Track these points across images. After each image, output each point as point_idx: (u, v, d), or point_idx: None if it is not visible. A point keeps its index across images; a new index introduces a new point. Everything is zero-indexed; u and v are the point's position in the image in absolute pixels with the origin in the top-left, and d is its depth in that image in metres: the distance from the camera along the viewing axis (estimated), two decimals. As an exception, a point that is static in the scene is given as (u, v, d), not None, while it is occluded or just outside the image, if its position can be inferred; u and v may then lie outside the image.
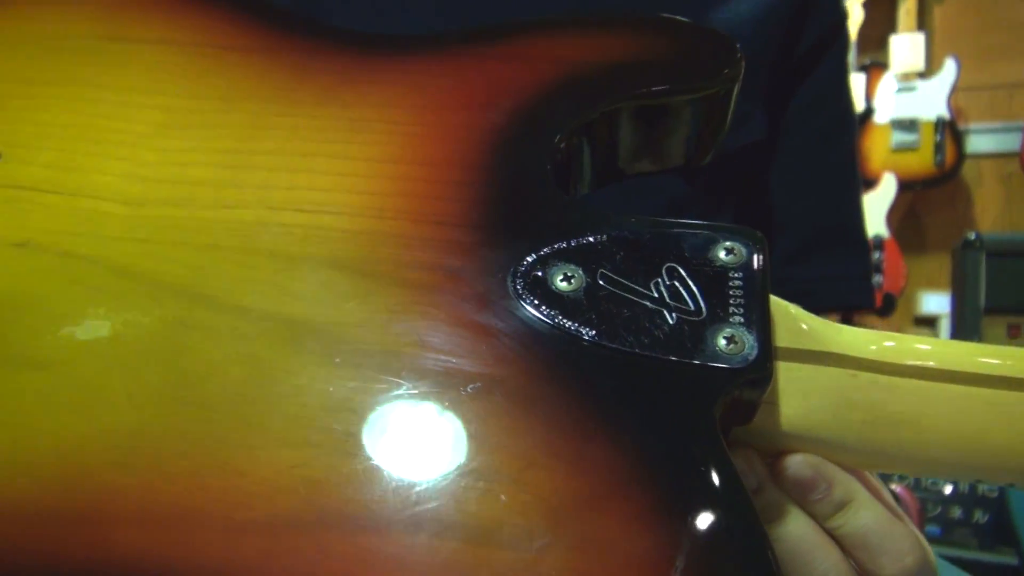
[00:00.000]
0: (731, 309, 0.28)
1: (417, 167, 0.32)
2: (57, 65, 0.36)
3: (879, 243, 2.28)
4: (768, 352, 0.27)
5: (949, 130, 2.33)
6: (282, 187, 0.32)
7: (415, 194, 0.32)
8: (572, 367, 0.27)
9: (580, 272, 0.29)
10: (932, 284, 2.41)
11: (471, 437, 0.25)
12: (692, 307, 0.28)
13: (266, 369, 0.27)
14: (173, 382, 0.27)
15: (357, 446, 0.25)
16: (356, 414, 0.26)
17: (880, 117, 2.38)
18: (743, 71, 0.36)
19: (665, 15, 0.37)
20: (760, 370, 0.27)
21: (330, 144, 0.33)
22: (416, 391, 0.26)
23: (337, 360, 0.27)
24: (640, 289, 0.28)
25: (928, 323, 2.43)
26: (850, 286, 0.59)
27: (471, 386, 0.26)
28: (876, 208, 2.30)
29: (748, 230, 0.30)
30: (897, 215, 2.37)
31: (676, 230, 0.30)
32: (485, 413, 0.26)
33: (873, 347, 0.30)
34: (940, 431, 0.29)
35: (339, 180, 0.32)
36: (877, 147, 2.37)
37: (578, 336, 0.27)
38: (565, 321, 0.28)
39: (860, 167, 0.62)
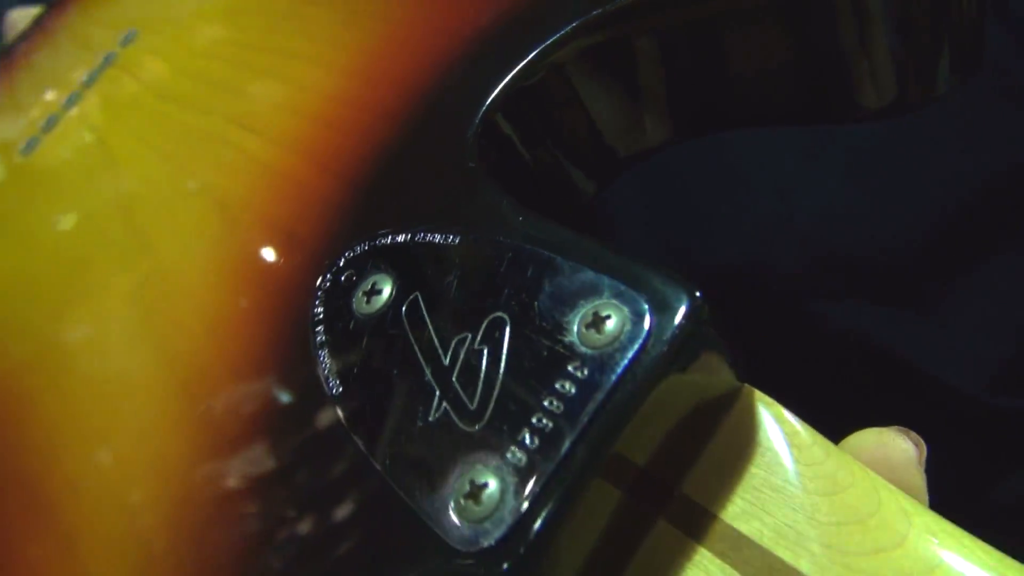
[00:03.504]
0: (523, 435, 0.15)
1: (357, 82, 0.24)
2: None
3: None
4: (523, 549, 0.14)
5: None
6: (248, 96, 0.27)
7: (329, 123, 0.24)
8: (293, 425, 0.18)
9: (389, 288, 0.18)
10: None
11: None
12: (474, 403, 0.16)
13: (95, 307, 0.25)
14: (61, 297, 0.27)
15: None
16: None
17: None
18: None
19: None
20: (490, 574, 0.14)
21: (315, 44, 0.27)
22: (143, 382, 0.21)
23: (133, 307, 0.23)
24: (435, 343, 0.17)
25: None
26: None
27: (202, 407, 0.20)
28: None
29: (674, 285, 0.15)
30: None
31: (556, 257, 0.16)
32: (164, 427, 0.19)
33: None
34: None
35: (289, 94, 0.26)
36: None
37: (321, 385, 0.18)
38: (326, 355, 0.18)
39: None
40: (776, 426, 0.16)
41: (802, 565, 0.15)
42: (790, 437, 0.16)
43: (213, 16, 0.32)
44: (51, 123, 0.35)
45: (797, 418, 0.17)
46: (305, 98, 0.25)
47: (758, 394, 0.17)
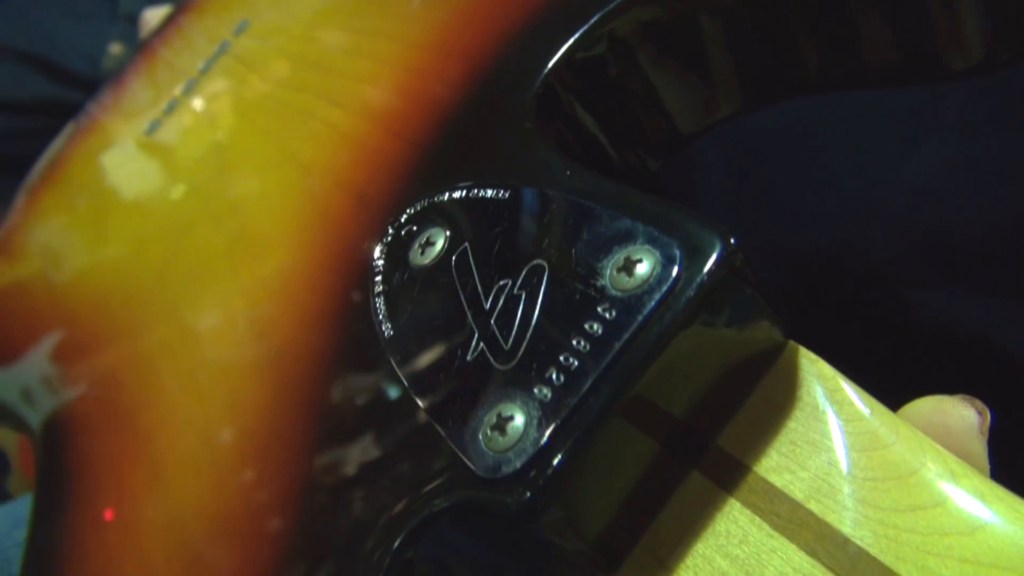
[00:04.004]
0: (551, 373, 0.15)
1: (429, 53, 0.25)
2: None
3: None
4: (543, 480, 0.14)
5: None
6: (336, 73, 0.29)
7: (402, 92, 0.25)
8: (350, 366, 0.19)
9: (443, 240, 0.19)
10: None
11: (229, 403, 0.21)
12: (508, 344, 0.16)
13: (202, 279, 0.27)
14: (163, 258, 0.29)
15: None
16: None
17: None
18: None
19: None
20: (512, 502, 0.14)
21: (395, 22, 0.28)
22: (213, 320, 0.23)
23: (229, 271, 0.25)
24: (478, 290, 0.18)
25: None
26: None
27: (254, 325, 0.21)
28: None
29: (708, 231, 0.15)
30: None
31: (596, 206, 0.17)
32: (250, 369, 0.21)
33: None
34: None
35: (369, 68, 0.27)
36: None
37: (379, 330, 0.19)
38: (381, 303, 0.19)
39: None
40: (817, 382, 0.16)
41: (832, 518, 0.14)
42: (831, 393, 0.16)
43: (312, 3, 0.34)
44: (171, 106, 0.38)
45: (843, 376, 0.16)
46: (382, 71, 0.27)
47: (802, 350, 0.17)
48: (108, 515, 0.23)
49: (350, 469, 0.17)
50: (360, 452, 0.17)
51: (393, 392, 0.18)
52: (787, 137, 0.35)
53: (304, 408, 0.19)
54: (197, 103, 0.36)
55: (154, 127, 0.38)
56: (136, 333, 0.28)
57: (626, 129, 0.25)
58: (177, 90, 0.39)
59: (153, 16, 0.51)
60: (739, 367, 0.16)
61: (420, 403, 0.17)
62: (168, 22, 0.48)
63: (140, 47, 0.49)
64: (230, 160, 0.30)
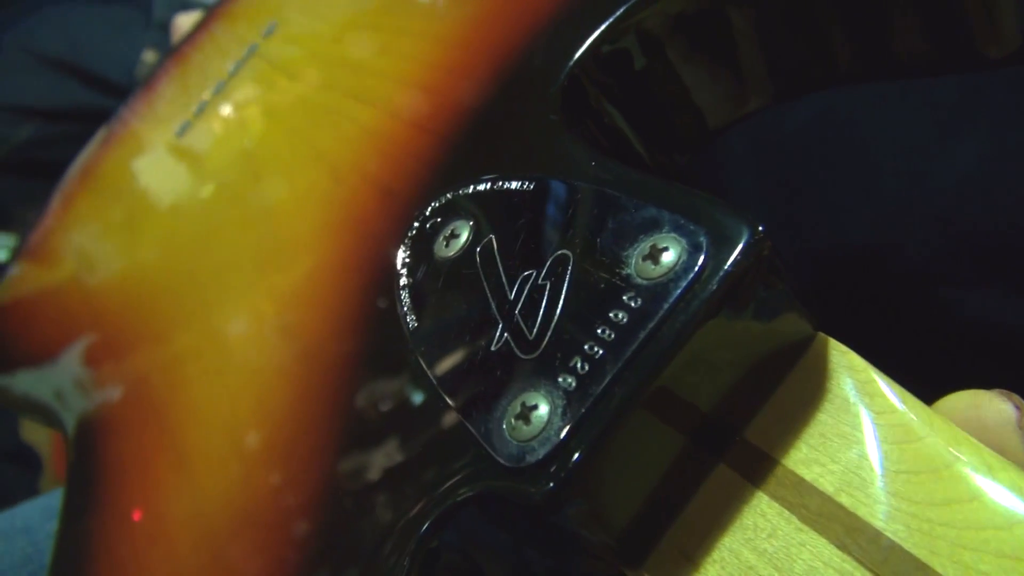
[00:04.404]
0: (575, 362, 0.15)
1: (456, 50, 0.25)
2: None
3: None
4: (566, 471, 0.14)
5: None
6: (363, 72, 0.29)
7: (430, 88, 0.25)
8: (373, 358, 0.19)
9: (467, 233, 0.19)
10: None
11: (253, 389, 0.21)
12: (533, 334, 0.16)
13: (229, 281, 0.27)
14: (191, 254, 0.29)
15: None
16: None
17: None
18: None
19: None
20: (536, 491, 0.14)
21: (422, 20, 0.28)
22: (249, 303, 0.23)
23: (255, 267, 0.25)
24: (503, 280, 0.17)
25: None
26: None
27: (281, 323, 0.21)
28: None
29: (736, 219, 0.15)
30: None
31: (621, 195, 0.17)
32: (278, 369, 0.21)
33: None
34: None
35: (396, 66, 0.27)
36: None
37: (403, 322, 0.19)
38: (406, 295, 0.19)
39: None
40: (847, 374, 0.16)
41: (863, 511, 0.14)
42: (862, 385, 0.15)
43: (339, 3, 0.35)
44: (201, 108, 0.38)
45: (874, 368, 0.16)
46: (410, 68, 0.27)
47: (832, 342, 0.16)
48: (135, 509, 0.23)
49: (376, 462, 0.17)
50: (387, 444, 0.17)
51: (420, 384, 0.17)
52: (819, 133, 0.34)
53: (332, 406, 0.19)
54: (226, 105, 0.37)
55: (184, 129, 0.38)
56: (166, 335, 0.28)
57: (654, 124, 0.25)
58: (207, 93, 0.39)
59: (184, 22, 0.52)
60: (767, 359, 0.16)
61: (445, 394, 0.17)
62: (198, 27, 0.49)
63: (171, 52, 0.50)
64: (259, 161, 0.31)
